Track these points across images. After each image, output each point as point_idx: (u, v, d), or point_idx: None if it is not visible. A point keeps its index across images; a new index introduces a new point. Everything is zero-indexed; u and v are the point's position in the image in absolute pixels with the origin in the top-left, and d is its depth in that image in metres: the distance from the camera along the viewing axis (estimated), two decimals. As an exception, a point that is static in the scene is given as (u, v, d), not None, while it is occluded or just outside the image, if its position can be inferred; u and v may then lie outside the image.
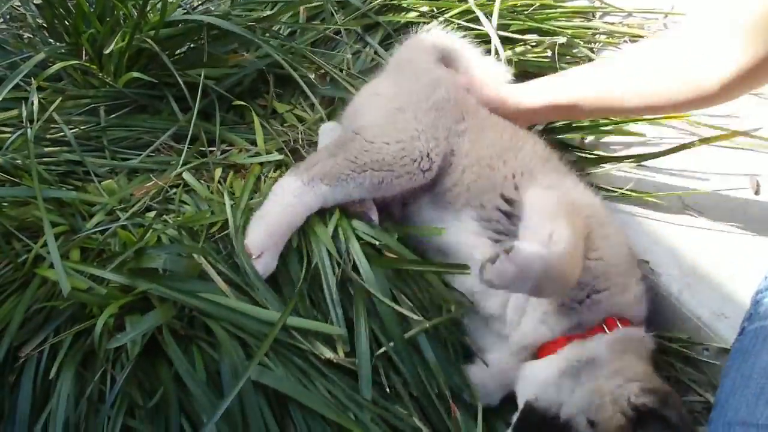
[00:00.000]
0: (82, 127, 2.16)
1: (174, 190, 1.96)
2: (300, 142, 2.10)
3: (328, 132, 2.10)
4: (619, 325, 1.71)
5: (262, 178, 1.95)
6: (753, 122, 2.24)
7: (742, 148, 2.26)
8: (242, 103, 2.24)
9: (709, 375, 1.79)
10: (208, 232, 1.79)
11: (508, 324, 1.78)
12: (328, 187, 1.79)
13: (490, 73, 2.19)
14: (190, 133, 2.12)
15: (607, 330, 1.70)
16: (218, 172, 1.99)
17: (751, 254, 1.93)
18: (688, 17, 2.69)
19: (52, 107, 2.12)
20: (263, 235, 1.73)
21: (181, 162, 2.03)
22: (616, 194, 2.18)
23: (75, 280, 1.61)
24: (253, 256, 1.70)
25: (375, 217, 1.87)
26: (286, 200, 1.76)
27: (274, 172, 1.98)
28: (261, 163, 2.00)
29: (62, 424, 1.48)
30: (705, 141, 2.18)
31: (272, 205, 1.77)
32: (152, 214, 1.88)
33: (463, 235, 1.85)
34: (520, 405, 1.68)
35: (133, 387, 1.53)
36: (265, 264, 1.71)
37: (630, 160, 2.27)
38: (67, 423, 1.49)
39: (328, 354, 1.59)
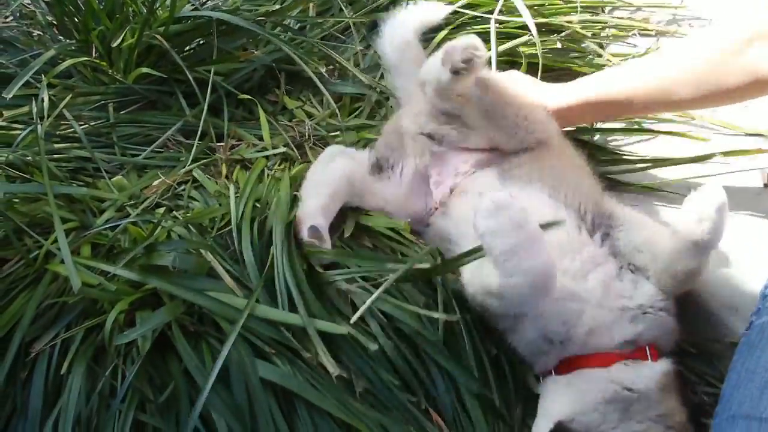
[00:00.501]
0: (92, 124, 2.17)
1: (183, 186, 1.97)
2: (307, 137, 2.09)
3: (331, 156, 1.91)
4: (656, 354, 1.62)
5: (266, 172, 1.95)
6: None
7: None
8: (249, 97, 2.25)
9: (719, 368, 1.79)
10: (216, 227, 1.80)
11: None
12: None
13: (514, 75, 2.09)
14: (200, 129, 2.12)
15: (651, 359, 1.59)
16: (225, 168, 2.00)
17: (763, 248, 1.93)
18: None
19: (63, 104, 2.13)
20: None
21: (191, 158, 2.03)
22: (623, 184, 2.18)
23: (86, 276, 1.62)
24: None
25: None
26: None
27: (279, 165, 1.98)
28: (267, 158, 2.00)
29: (73, 419, 1.49)
30: (728, 154, 2.15)
31: None
32: (162, 210, 1.89)
33: None
34: (546, 424, 1.54)
35: (144, 382, 1.54)
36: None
37: (647, 163, 2.25)
38: (79, 418, 1.50)
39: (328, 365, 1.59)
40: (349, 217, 1.85)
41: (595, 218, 1.71)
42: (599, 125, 2.33)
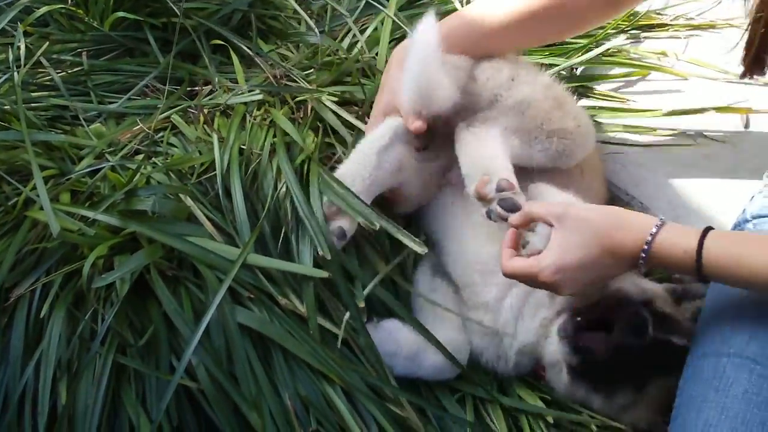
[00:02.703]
0: (69, 71, 2.16)
1: (161, 133, 1.97)
2: (281, 79, 2.09)
3: (388, 140, 1.78)
4: None
5: (247, 117, 1.94)
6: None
7: (732, 82, 2.29)
8: (222, 42, 2.24)
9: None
10: (196, 174, 1.80)
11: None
12: (518, 142, 1.74)
13: None
14: (169, 74, 2.13)
15: None
16: (204, 114, 1.99)
17: (741, 186, 1.95)
18: None
19: (39, 52, 2.12)
20: (505, 170, 1.65)
21: (165, 104, 2.03)
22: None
23: (65, 222, 1.63)
24: (516, 188, 1.61)
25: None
26: (494, 141, 1.71)
27: (258, 110, 1.98)
28: (245, 103, 1.99)
29: (54, 363, 1.51)
30: (720, 110, 2.20)
31: (491, 146, 1.70)
32: (141, 157, 1.89)
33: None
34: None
35: (125, 327, 1.56)
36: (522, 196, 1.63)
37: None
38: (60, 362, 1.52)
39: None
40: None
41: None
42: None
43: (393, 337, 1.68)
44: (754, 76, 1.73)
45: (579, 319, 1.61)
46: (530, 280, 1.51)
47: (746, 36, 1.65)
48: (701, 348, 1.48)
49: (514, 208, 1.57)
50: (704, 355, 1.46)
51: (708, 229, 1.41)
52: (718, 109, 2.19)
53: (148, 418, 1.49)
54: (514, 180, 1.62)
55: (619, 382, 1.63)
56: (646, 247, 1.41)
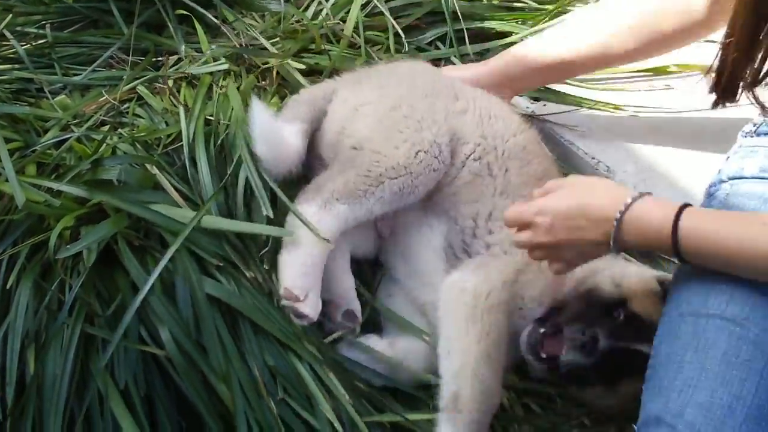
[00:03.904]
0: (33, 44, 2.14)
1: (128, 104, 1.96)
2: (245, 47, 2.09)
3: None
4: None
5: (214, 87, 1.94)
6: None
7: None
8: (187, 13, 2.22)
9: (668, 270, 1.83)
10: (162, 144, 1.80)
11: None
12: (346, 206, 1.66)
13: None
14: (132, 45, 2.13)
15: None
16: (170, 84, 1.99)
17: (707, 150, 1.97)
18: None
19: (3, 24, 2.11)
20: (300, 275, 1.61)
21: (129, 75, 2.03)
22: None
23: (31, 194, 1.62)
24: (301, 299, 1.58)
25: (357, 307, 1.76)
26: (306, 239, 1.63)
27: (224, 80, 1.98)
28: (211, 73, 1.99)
29: (22, 333, 1.51)
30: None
31: (294, 250, 1.63)
32: (107, 128, 1.88)
33: (424, 246, 1.81)
34: None
35: (92, 297, 1.56)
36: (312, 305, 1.60)
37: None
38: (27, 333, 1.52)
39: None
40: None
41: None
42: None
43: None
44: (726, 104, 1.62)
45: (543, 330, 1.65)
46: (521, 222, 1.56)
47: (716, 62, 1.56)
48: (678, 307, 1.48)
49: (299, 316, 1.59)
50: (681, 315, 1.45)
51: (686, 204, 1.42)
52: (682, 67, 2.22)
53: (116, 387, 1.50)
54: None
55: (586, 382, 1.66)
56: (619, 214, 1.44)
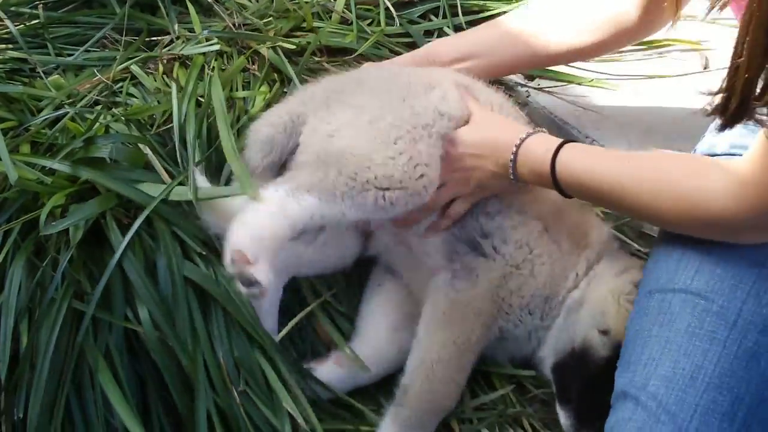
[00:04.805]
0: (27, 24, 2.15)
1: (121, 84, 1.98)
2: (239, 28, 2.10)
3: None
4: None
5: (206, 68, 1.95)
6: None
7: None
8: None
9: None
10: (156, 125, 1.82)
11: None
12: (316, 200, 1.53)
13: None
14: (126, 25, 2.14)
15: None
16: (163, 64, 2.00)
17: (700, 127, 1.98)
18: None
19: (-4, 4, 2.12)
20: (248, 239, 1.49)
21: (123, 55, 2.04)
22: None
23: (24, 172, 1.63)
24: (251, 261, 1.47)
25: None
26: (267, 208, 1.52)
27: (216, 61, 1.99)
28: (203, 54, 2.00)
29: (15, 310, 1.53)
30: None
31: (252, 213, 1.52)
32: (100, 107, 1.90)
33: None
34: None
35: (82, 274, 1.58)
36: (264, 271, 1.48)
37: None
38: (20, 310, 1.54)
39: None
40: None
41: None
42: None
43: None
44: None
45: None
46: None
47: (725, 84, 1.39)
48: (648, 285, 1.52)
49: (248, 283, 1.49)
50: (650, 293, 1.49)
51: (569, 140, 1.54)
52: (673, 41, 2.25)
53: (105, 363, 1.52)
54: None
55: None
56: (515, 149, 1.57)
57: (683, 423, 1.31)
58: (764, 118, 1.23)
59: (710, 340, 1.36)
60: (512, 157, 1.57)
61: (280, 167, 1.71)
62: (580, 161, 1.50)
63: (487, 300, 1.65)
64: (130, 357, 1.56)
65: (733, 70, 1.26)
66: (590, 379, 1.62)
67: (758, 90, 1.23)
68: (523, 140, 1.57)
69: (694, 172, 1.41)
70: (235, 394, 1.55)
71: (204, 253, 1.62)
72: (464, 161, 1.64)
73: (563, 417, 1.65)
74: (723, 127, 1.41)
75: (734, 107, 1.28)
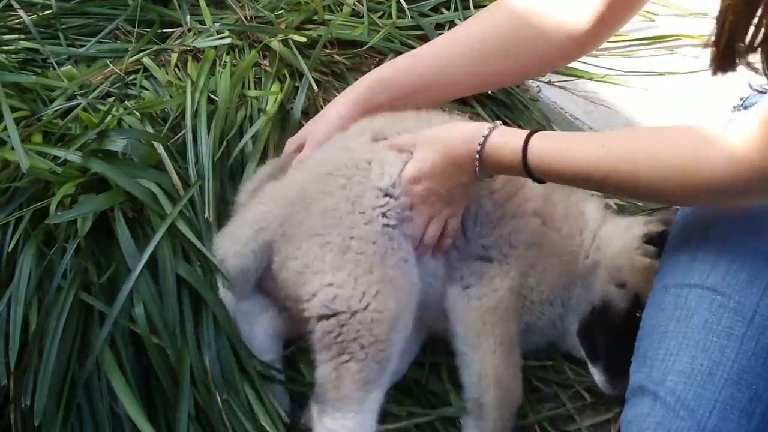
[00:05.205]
0: (40, 14, 2.16)
1: (133, 75, 1.98)
2: (251, 21, 2.09)
3: None
4: None
5: (217, 62, 1.96)
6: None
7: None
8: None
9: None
10: (171, 118, 1.83)
11: None
12: (376, 392, 1.53)
13: None
14: (138, 16, 2.15)
15: None
16: (175, 57, 2.00)
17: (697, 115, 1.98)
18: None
19: (10, -6, 2.12)
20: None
21: (135, 47, 2.05)
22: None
23: (36, 161, 1.64)
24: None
25: None
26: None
27: (227, 55, 1.99)
28: (215, 47, 1.99)
29: (25, 299, 1.52)
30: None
31: None
32: (112, 99, 1.90)
33: None
34: None
35: (90, 264, 1.58)
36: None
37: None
38: (30, 298, 1.53)
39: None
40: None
41: None
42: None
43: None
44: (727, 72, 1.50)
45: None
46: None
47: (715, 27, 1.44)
48: (663, 280, 1.51)
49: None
50: (666, 287, 1.49)
51: (537, 130, 1.51)
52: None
53: (111, 353, 1.52)
54: None
55: None
56: (479, 149, 1.52)
57: (702, 419, 1.31)
58: (758, 66, 1.29)
59: (728, 336, 1.36)
60: (477, 164, 1.53)
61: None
62: (551, 146, 1.47)
63: (513, 299, 1.69)
64: (134, 348, 1.56)
65: (722, 14, 1.32)
66: (614, 331, 1.67)
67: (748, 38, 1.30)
68: (484, 141, 1.51)
69: (689, 140, 1.38)
70: (218, 399, 1.54)
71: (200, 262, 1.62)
72: (435, 190, 1.60)
73: (596, 374, 1.70)
74: (714, 73, 1.48)
75: (722, 51, 1.35)
